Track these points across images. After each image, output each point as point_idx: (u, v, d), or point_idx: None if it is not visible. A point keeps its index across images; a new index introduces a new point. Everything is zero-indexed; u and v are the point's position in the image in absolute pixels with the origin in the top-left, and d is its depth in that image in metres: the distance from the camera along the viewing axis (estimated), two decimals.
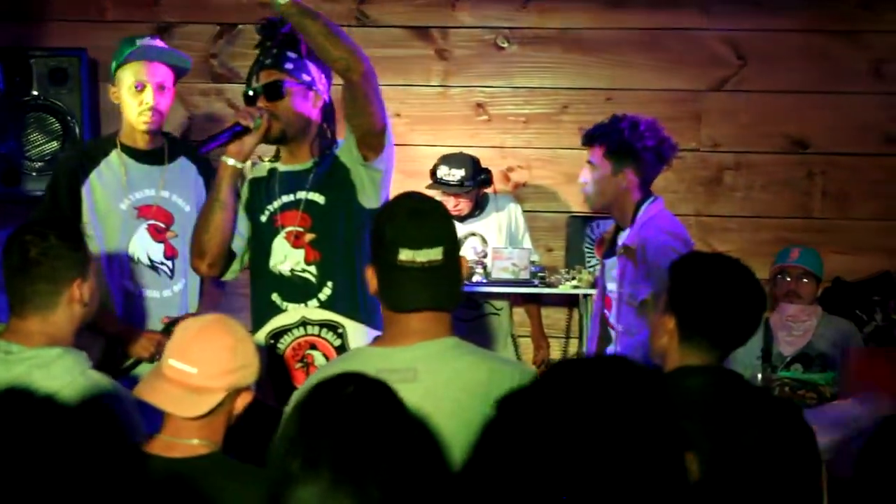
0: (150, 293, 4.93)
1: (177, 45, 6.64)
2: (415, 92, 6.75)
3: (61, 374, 3.46)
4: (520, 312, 6.61)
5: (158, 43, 5.00)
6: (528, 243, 6.30)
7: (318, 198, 4.34)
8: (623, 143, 4.89)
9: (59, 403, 2.36)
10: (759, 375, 5.64)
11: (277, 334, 4.29)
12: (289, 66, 4.35)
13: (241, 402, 3.25)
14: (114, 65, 4.93)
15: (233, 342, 3.22)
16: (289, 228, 4.33)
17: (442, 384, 3.05)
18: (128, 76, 4.88)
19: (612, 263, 5.03)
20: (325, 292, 4.26)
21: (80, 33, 6.65)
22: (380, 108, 4.26)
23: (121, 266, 4.90)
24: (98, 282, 3.74)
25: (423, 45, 6.74)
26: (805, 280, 5.91)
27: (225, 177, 4.28)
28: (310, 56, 4.36)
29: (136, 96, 4.88)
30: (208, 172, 4.89)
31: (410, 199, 3.24)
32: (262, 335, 4.30)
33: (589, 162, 4.99)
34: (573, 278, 6.12)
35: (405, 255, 3.06)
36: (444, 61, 6.76)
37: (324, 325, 4.25)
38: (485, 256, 6.11)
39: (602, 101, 6.65)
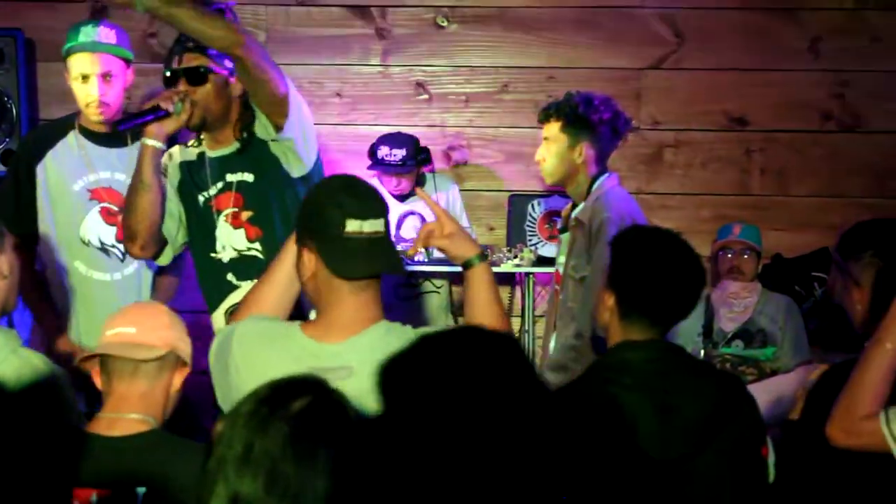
0: (101, 276, 4.92)
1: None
2: (355, 71, 6.73)
3: None
4: (459, 291, 6.61)
5: (103, 31, 4.93)
6: (465, 223, 6.30)
7: (248, 177, 4.38)
8: (578, 117, 4.93)
9: None
10: (702, 352, 5.68)
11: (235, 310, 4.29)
12: (212, 51, 4.32)
13: (179, 377, 3.27)
14: (63, 51, 4.91)
15: (167, 314, 3.34)
16: (226, 211, 4.34)
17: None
18: (73, 67, 4.88)
19: (566, 238, 5.08)
20: None
21: (15, 13, 6.57)
22: (276, 75, 4.23)
23: (70, 248, 4.88)
24: (14, 258, 3.61)
25: (363, 25, 6.71)
26: (747, 255, 5.95)
27: (147, 158, 4.29)
28: None
29: (82, 88, 4.88)
30: None
31: (342, 177, 3.26)
32: (219, 314, 4.31)
33: (545, 138, 5.02)
34: (515, 256, 6.14)
35: (352, 225, 3.03)
36: (384, 40, 6.74)
37: None
38: None
39: (543, 79, 6.65)
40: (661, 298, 3.24)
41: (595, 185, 4.95)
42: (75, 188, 4.88)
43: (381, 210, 3.10)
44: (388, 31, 6.73)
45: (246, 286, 4.25)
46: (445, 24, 6.73)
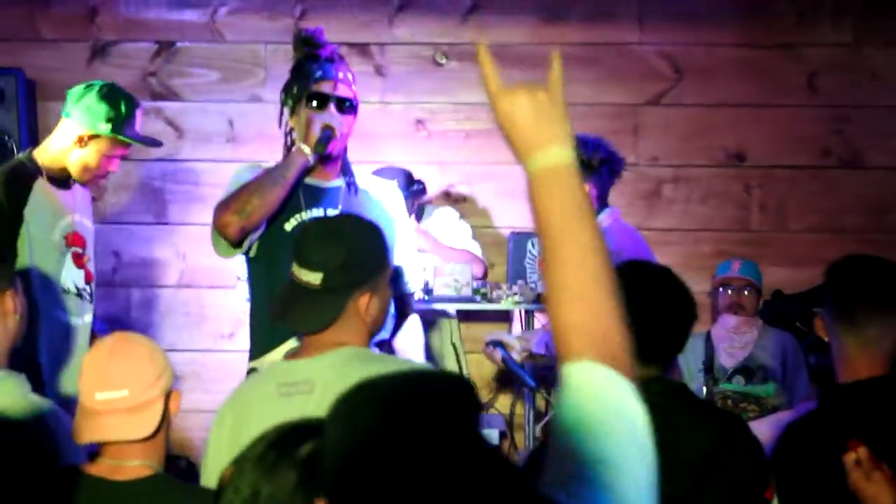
0: (75, 321, 4.92)
1: (114, 63, 6.68)
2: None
3: (3, 396, 3.41)
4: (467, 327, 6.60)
5: (141, 120, 5.07)
6: (476, 247, 6.32)
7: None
8: (578, 158, 4.91)
9: (4, 426, 2.34)
10: (703, 388, 5.68)
11: None
12: (355, 86, 4.49)
13: (174, 403, 3.24)
14: (108, 128, 4.90)
15: (146, 350, 3.22)
16: None
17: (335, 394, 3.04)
18: (113, 148, 4.95)
19: None
20: None
21: (16, 52, 6.61)
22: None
23: (54, 298, 4.86)
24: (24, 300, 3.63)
25: (362, 62, 6.73)
26: (747, 292, 5.95)
27: (297, 162, 4.37)
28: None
29: (104, 164, 4.95)
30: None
31: (326, 219, 3.36)
32: (273, 357, 4.21)
33: None
34: (515, 294, 6.12)
35: (294, 269, 3.20)
36: (383, 77, 6.75)
37: None
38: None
39: None
40: (648, 336, 3.22)
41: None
42: (54, 238, 4.88)
43: (324, 262, 3.16)
44: (387, 69, 6.76)
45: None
46: (444, 61, 6.75)
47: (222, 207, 4.28)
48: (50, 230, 4.86)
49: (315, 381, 3.09)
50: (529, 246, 6.30)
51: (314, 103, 4.44)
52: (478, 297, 6.10)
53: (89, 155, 4.92)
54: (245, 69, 6.75)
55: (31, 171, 4.91)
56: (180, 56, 6.74)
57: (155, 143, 5.27)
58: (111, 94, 4.97)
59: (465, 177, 6.77)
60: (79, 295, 4.93)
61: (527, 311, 6.18)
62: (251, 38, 6.75)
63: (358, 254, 3.22)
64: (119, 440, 3.12)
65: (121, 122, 4.92)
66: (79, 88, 4.99)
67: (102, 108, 4.91)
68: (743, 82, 6.71)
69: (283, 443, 1.98)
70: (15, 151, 6.04)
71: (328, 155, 4.43)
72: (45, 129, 6.59)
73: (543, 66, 6.42)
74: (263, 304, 4.23)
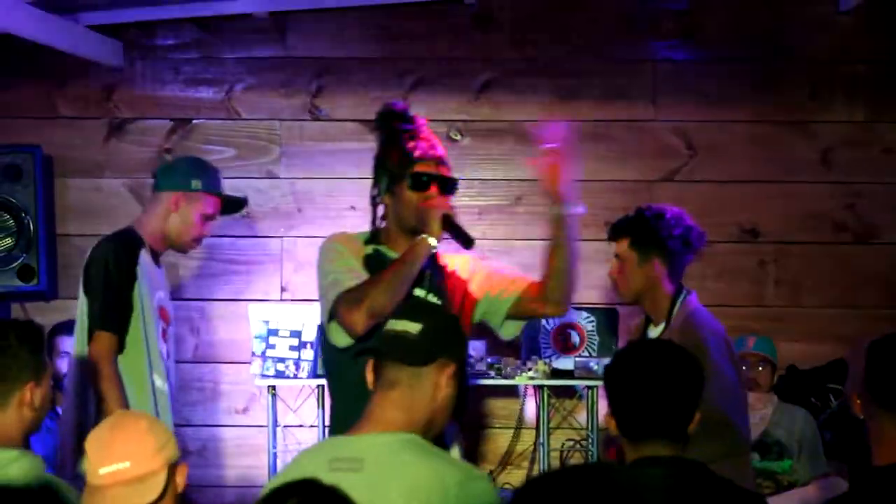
0: (163, 385, 4.97)
1: (131, 140, 6.74)
2: (369, 184, 6.75)
3: (19, 476, 3.42)
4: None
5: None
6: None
7: (437, 301, 4.31)
8: (647, 233, 4.85)
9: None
10: None
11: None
12: (450, 163, 4.42)
13: (181, 477, 3.24)
14: (198, 183, 5.05)
15: (146, 423, 3.23)
16: None
17: (387, 477, 3.10)
18: (209, 206, 5.08)
19: None
20: None
21: (34, 129, 6.66)
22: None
23: (153, 361, 4.91)
24: (48, 391, 3.68)
25: (376, 138, 6.76)
26: (762, 367, 5.95)
27: (422, 255, 4.19)
28: None
29: (202, 224, 5.07)
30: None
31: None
32: None
33: (616, 255, 4.96)
34: (529, 369, 6.12)
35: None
36: None
37: None
38: None
39: None
40: (651, 416, 3.21)
41: (677, 305, 4.84)
42: (154, 303, 4.95)
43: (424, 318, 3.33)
44: None
45: None
46: (458, 137, 6.78)
47: (351, 305, 4.11)
48: (152, 296, 4.95)
49: (366, 459, 3.13)
50: (543, 322, 6.29)
51: (419, 185, 4.33)
52: (492, 373, 6.11)
53: (187, 215, 5.03)
54: (261, 146, 6.79)
55: (137, 239, 5.01)
56: (196, 133, 6.79)
57: (241, 202, 5.37)
58: (196, 159, 5.28)
59: (478, 252, 6.76)
60: (164, 364, 4.98)
61: (541, 387, 6.18)
62: (267, 114, 6.80)
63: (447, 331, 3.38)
64: None
65: (211, 181, 5.09)
66: (164, 165, 5.30)
67: (191, 169, 5.11)
68: (756, 159, 6.73)
69: (271, 499, 2.29)
70: (32, 227, 6.07)
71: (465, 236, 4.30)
72: (61, 205, 6.66)
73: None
74: (351, 386, 4.07)
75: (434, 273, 4.35)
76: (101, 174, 6.77)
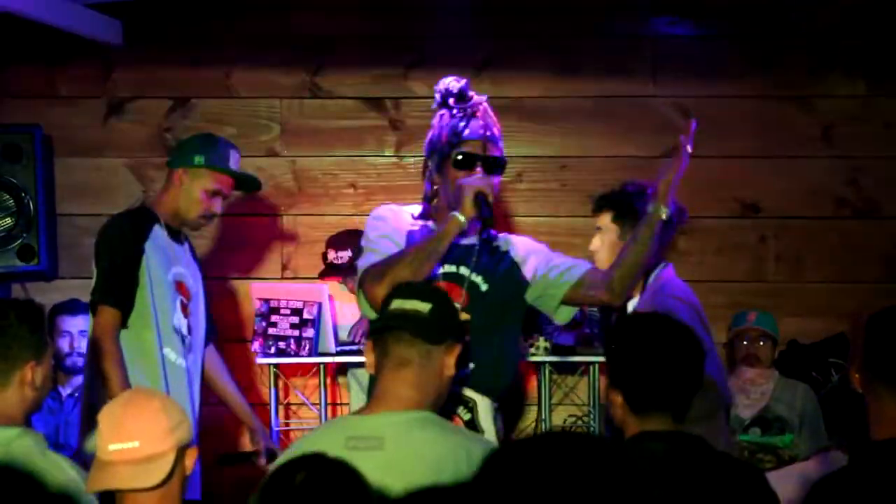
0: (179, 360, 4.99)
1: (130, 119, 6.72)
2: (369, 162, 6.78)
3: (21, 454, 3.43)
4: None
5: (237, 158, 5.17)
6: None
7: (482, 283, 4.32)
8: (630, 207, 4.89)
9: (20, 482, 2.36)
10: None
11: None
12: (501, 142, 4.42)
13: (190, 460, 3.25)
14: (200, 158, 5.03)
15: (160, 404, 3.24)
16: None
17: (409, 454, 3.16)
18: (212, 182, 5.05)
19: None
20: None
21: (33, 109, 6.66)
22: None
23: (164, 335, 4.92)
24: (49, 370, 3.72)
25: (377, 116, 6.77)
26: (763, 343, 5.95)
27: (453, 232, 4.18)
28: None
29: (207, 200, 5.05)
30: (195, 255, 5.22)
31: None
32: None
33: (598, 228, 4.99)
34: (531, 346, 6.12)
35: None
36: (398, 131, 6.78)
37: (456, 400, 4.15)
38: None
39: (556, 168, 6.69)
40: (660, 388, 3.22)
41: (651, 277, 4.85)
42: (168, 278, 4.95)
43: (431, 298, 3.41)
44: (402, 123, 6.78)
45: None
46: None
47: (374, 278, 4.14)
48: (166, 270, 4.96)
49: (385, 437, 3.21)
50: None
51: (462, 164, 4.34)
52: None
53: (190, 191, 5.02)
54: (261, 124, 6.78)
55: (150, 215, 5.05)
56: (196, 112, 6.78)
57: (252, 180, 5.35)
58: (205, 135, 5.25)
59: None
60: (182, 340, 4.97)
61: (542, 363, 6.18)
62: (266, 93, 6.79)
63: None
64: (128, 489, 3.14)
65: (215, 156, 5.05)
66: (178, 141, 5.33)
67: (196, 145, 5.11)
68: (757, 134, 6.72)
69: (281, 473, 2.36)
70: (31, 207, 6.07)
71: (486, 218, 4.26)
72: (61, 184, 6.65)
73: (557, 119, 6.43)
74: None
75: (483, 252, 4.35)
76: (101, 153, 6.77)
